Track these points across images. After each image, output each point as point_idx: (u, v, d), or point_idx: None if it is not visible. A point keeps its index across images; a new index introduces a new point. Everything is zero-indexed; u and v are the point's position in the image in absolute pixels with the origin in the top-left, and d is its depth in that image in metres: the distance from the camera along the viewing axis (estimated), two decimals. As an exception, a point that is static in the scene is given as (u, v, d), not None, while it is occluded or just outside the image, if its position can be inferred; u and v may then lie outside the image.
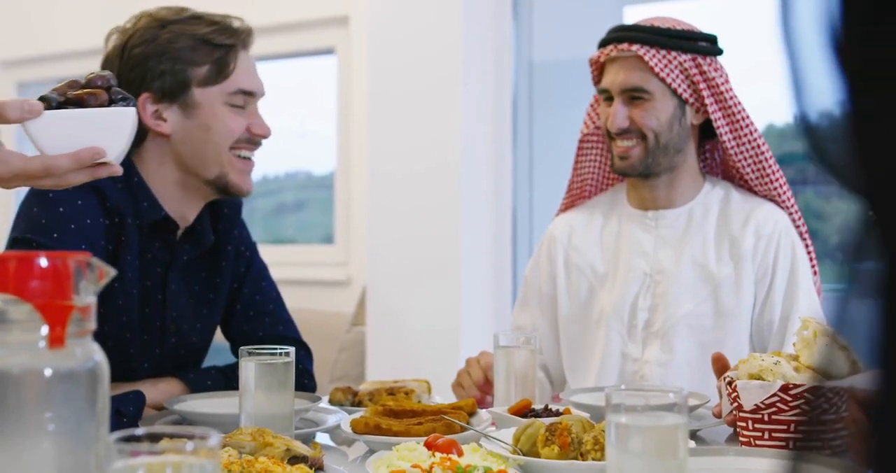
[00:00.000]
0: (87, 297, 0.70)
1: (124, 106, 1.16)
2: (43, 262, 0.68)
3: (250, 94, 1.73)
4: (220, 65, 1.69)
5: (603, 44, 1.97)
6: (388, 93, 3.48)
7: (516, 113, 3.54)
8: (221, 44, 1.69)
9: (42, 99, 1.14)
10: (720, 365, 1.51)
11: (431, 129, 3.39)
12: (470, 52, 3.39)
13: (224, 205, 1.84)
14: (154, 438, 0.67)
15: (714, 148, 2.06)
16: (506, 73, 3.50)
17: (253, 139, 1.73)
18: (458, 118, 3.35)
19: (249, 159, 1.74)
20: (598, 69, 2.00)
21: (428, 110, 3.40)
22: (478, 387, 1.81)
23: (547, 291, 2.06)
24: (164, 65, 1.66)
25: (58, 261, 0.68)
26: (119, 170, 1.19)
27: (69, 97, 1.15)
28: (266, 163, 4.64)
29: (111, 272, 0.70)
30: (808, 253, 1.95)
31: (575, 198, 2.13)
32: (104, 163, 1.17)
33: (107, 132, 1.13)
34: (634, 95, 1.91)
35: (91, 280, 0.70)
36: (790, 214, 1.95)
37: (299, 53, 4.24)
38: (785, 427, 1.27)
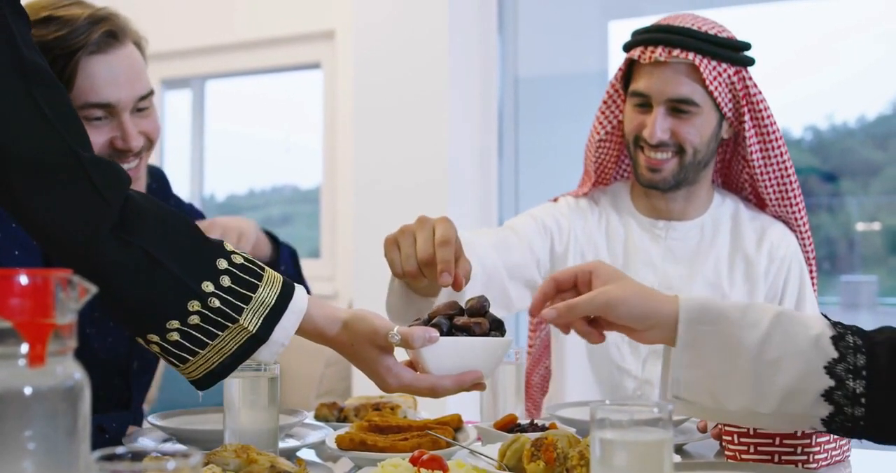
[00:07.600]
0: (67, 315, 0.69)
1: (498, 333, 1.24)
2: (23, 279, 0.67)
3: (105, 106, 1.51)
4: (61, 77, 1.45)
5: (644, 43, 1.78)
6: (374, 107, 3.49)
7: (502, 127, 3.55)
8: (60, 53, 1.45)
9: (433, 324, 1.22)
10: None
11: (417, 144, 3.40)
12: (456, 66, 3.40)
13: (153, 179, 1.74)
14: (136, 456, 0.67)
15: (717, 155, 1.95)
16: (491, 88, 3.52)
17: (121, 154, 1.53)
18: (444, 132, 3.35)
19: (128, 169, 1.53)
20: (629, 67, 1.84)
21: (413, 124, 3.41)
22: (420, 262, 1.28)
23: (526, 234, 1.87)
24: None
25: (38, 279, 0.68)
26: (485, 387, 1.25)
27: (457, 324, 1.23)
28: (252, 177, 4.64)
29: (92, 289, 0.70)
30: (812, 278, 1.90)
31: (591, 181, 1.95)
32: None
33: (486, 358, 1.22)
34: (680, 107, 1.76)
35: (72, 297, 0.69)
36: (802, 239, 1.89)
37: (285, 68, 4.25)
38: (770, 440, 1.27)
